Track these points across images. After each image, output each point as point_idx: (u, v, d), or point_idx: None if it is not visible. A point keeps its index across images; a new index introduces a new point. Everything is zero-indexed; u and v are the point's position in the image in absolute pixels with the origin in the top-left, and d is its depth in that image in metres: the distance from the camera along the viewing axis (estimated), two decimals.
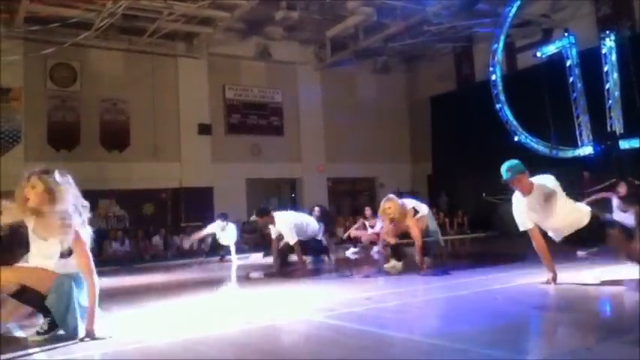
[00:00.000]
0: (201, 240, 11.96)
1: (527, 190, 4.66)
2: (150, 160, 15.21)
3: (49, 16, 12.77)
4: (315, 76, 18.06)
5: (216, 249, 10.88)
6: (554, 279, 4.66)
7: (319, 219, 9.00)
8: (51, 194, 3.54)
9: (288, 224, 7.16)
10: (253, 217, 7.57)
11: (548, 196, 4.59)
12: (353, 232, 11.12)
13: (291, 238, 7.09)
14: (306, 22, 15.65)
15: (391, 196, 6.70)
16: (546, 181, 4.71)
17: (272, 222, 7.21)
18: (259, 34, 16.37)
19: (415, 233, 6.27)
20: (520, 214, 4.74)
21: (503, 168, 4.75)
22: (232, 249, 10.58)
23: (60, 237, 3.54)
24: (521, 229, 4.77)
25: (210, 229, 10.85)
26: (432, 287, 5.40)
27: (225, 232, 10.66)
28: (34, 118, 14.12)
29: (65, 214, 3.53)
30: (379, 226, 10.70)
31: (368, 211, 10.85)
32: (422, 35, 15.84)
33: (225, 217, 10.93)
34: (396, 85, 19.84)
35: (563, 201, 4.63)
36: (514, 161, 4.79)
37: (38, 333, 3.56)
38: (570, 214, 4.64)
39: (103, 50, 14.75)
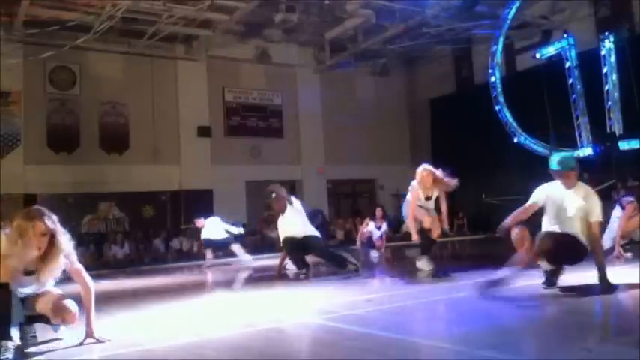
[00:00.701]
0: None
1: (571, 185, 4.61)
2: (149, 162, 15.21)
3: (48, 20, 12.76)
4: (315, 78, 18.06)
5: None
6: (526, 263, 4.60)
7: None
8: (52, 235, 3.39)
9: (299, 212, 7.14)
10: (274, 195, 7.47)
11: (589, 194, 4.58)
12: (363, 233, 11.09)
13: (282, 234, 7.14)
14: (305, 25, 15.66)
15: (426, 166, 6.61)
16: (591, 190, 4.69)
17: (285, 208, 7.06)
18: (258, 37, 16.37)
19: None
20: (543, 192, 4.68)
21: (556, 158, 4.68)
22: (235, 248, 10.51)
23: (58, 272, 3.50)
24: (530, 201, 4.71)
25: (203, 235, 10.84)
26: (431, 289, 5.40)
27: (208, 227, 10.64)
28: (33, 121, 14.13)
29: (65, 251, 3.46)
30: (384, 228, 10.78)
31: (379, 212, 10.96)
32: (421, 37, 15.85)
33: (207, 216, 11.06)
34: (395, 87, 19.84)
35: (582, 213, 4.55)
36: (568, 155, 4.77)
37: (22, 337, 3.54)
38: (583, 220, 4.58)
39: (103, 53, 14.75)
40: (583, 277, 4.82)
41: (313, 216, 9.92)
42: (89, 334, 3.46)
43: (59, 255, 3.41)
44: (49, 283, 3.57)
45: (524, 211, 4.71)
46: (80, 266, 3.58)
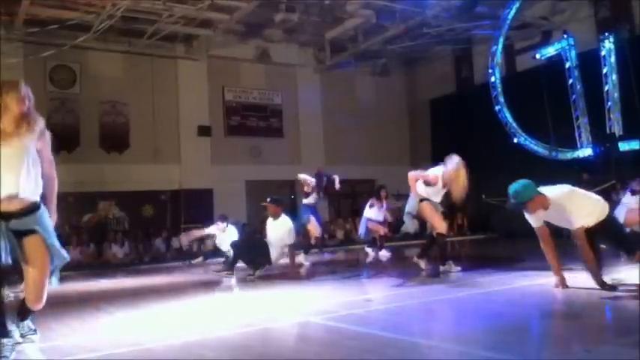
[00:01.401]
0: (201, 241, 11.86)
1: (544, 208, 4.44)
2: (149, 161, 15.19)
3: (48, 19, 12.76)
4: (315, 78, 18.05)
5: (215, 251, 10.73)
6: (562, 283, 4.57)
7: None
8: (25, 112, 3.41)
9: (290, 226, 7.40)
10: (269, 200, 7.65)
11: (564, 204, 4.41)
12: (374, 226, 10.67)
13: (290, 239, 7.28)
14: (306, 25, 15.64)
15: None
16: (563, 196, 4.46)
17: (279, 215, 7.43)
18: (259, 37, 16.37)
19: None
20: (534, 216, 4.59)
21: (510, 192, 4.46)
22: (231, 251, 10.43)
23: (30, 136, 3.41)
24: (532, 224, 4.63)
25: (211, 230, 10.70)
26: (431, 289, 5.40)
27: (226, 234, 10.55)
28: None
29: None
30: (386, 206, 10.59)
31: (384, 192, 10.96)
32: (421, 38, 15.84)
33: (224, 218, 10.85)
34: (395, 88, 19.83)
35: (579, 207, 4.42)
36: (520, 185, 4.42)
37: (22, 335, 3.54)
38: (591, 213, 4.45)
39: (103, 52, 14.73)
40: (582, 278, 4.83)
41: (317, 177, 10.00)
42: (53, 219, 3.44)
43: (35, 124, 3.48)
44: (29, 178, 3.36)
45: (547, 244, 4.56)
46: (52, 157, 3.55)
